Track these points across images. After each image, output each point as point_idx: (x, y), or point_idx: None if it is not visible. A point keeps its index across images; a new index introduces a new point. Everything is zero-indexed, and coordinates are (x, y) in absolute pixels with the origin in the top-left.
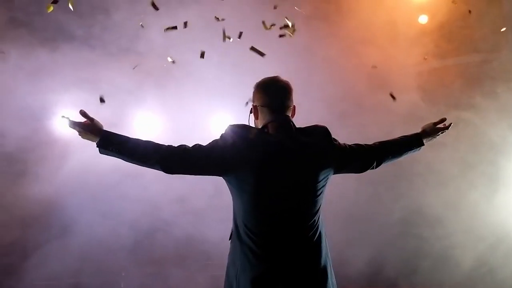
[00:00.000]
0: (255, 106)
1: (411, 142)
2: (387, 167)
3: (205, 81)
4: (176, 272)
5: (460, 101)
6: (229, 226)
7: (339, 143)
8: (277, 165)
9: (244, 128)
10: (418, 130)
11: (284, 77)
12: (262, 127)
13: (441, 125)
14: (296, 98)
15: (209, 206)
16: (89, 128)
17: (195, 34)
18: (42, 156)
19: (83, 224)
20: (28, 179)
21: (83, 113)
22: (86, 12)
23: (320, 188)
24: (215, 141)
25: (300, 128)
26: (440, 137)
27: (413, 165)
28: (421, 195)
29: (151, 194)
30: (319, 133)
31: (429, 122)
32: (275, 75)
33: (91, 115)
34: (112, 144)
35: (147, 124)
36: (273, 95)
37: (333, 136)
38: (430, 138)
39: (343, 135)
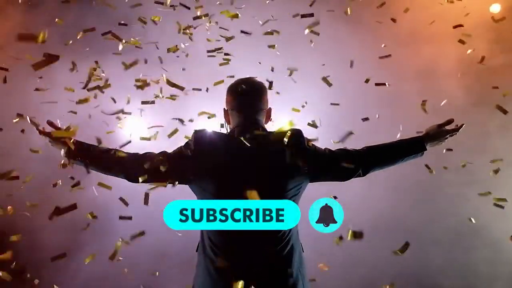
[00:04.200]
0: (226, 110)
1: (411, 147)
2: (424, 175)
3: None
4: None
5: None
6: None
7: (316, 148)
8: (239, 173)
9: (206, 134)
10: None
11: (336, 82)
12: (229, 132)
13: (449, 127)
14: (348, 102)
15: None
16: (56, 138)
17: (240, 40)
18: None
19: (132, 230)
20: (86, 184)
21: (50, 123)
22: (130, 22)
23: (290, 198)
24: (179, 148)
25: (269, 133)
26: (491, 139)
27: (458, 172)
28: (468, 204)
29: None
30: (290, 137)
31: (433, 124)
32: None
33: (146, 120)
34: (78, 153)
35: (204, 127)
36: (240, 97)
37: (307, 139)
38: (435, 142)
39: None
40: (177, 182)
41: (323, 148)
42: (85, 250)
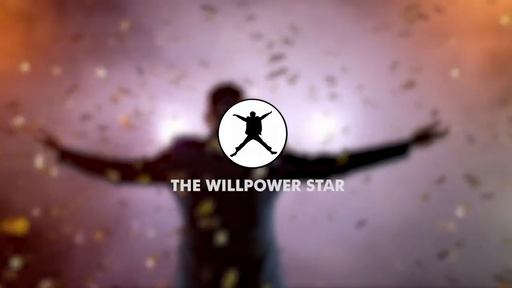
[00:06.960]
0: (206, 115)
1: (393, 152)
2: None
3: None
4: None
5: None
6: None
7: (290, 151)
8: (210, 178)
9: (181, 140)
10: None
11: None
12: (206, 138)
13: (433, 129)
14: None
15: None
16: (46, 143)
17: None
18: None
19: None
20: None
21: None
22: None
23: (263, 199)
24: (159, 153)
25: None
26: None
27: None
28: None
29: None
30: None
31: (419, 127)
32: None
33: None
34: (65, 157)
35: None
36: (218, 103)
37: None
38: (421, 145)
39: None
40: (155, 185)
41: (298, 150)
42: (108, 248)
